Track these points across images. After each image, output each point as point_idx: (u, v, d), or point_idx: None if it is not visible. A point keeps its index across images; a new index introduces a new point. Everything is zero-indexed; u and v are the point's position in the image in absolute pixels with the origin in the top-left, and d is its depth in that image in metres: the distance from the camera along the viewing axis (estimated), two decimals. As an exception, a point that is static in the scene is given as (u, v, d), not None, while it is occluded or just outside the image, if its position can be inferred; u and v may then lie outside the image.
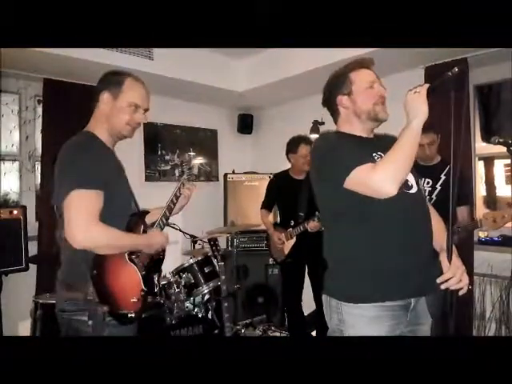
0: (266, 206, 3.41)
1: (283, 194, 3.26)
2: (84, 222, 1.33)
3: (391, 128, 1.54)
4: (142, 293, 1.48)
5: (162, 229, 1.70)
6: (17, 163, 3.44)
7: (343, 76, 1.51)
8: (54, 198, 1.44)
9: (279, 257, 3.29)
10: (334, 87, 1.53)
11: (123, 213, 1.53)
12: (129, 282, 1.48)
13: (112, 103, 1.52)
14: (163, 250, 1.67)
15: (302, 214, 3.08)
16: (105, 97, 1.52)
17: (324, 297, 1.50)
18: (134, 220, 1.56)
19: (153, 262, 1.61)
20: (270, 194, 3.42)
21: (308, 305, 3.32)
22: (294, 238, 3.13)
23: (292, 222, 3.15)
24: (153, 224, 1.67)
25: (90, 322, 1.38)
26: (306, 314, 3.42)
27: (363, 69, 1.50)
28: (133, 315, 1.44)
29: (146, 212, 1.69)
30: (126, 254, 1.49)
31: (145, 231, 1.59)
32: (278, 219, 3.43)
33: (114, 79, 1.54)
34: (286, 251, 3.19)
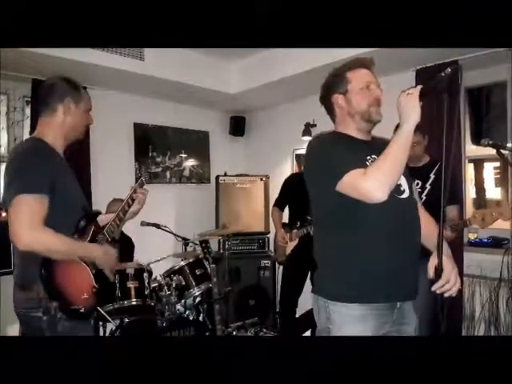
0: (279, 204, 3.40)
1: (296, 194, 3.22)
2: (26, 226, 1.39)
3: (383, 130, 1.55)
4: (94, 289, 1.55)
5: (112, 233, 1.73)
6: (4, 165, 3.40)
7: (340, 75, 1.50)
8: (2, 202, 1.53)
9: (280, 256, 3.30)
10: (331, 85, 1.53)
11: (73, 215, 1.58)
12: (79, 280, 1.55)
13: (73, 110, 1.62)
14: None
15: (309, 218, 3.06)
16: (67, 105, 1.61)
17: (313, 296, 1.51)
18: (83, 222, 1.61)
19: None
20: (283, 192, 3.41)
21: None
22: (297, 240, 3.13)
23: (298, 224, 3.14)
24: (104, 227, 1.71)
25: (45, 318, 1.47)
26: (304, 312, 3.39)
27: (362, 69, 1.49)
28: (83, 310, 1.51)
29: (97, 214, 1.75)
30: None
31: (97, 232, 1.65)
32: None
33: (72, 86, 1.65)
34: (288, 252, 3.20)
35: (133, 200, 1.81)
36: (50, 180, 1.47)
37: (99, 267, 1.61)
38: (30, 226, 1.40)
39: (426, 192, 2.49)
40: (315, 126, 4.03)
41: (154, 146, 4.21)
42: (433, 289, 1.28)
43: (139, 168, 2.01)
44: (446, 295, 1.30)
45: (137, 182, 1.88)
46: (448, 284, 1.29)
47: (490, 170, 3.36)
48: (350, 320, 1.38)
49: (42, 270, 1.46)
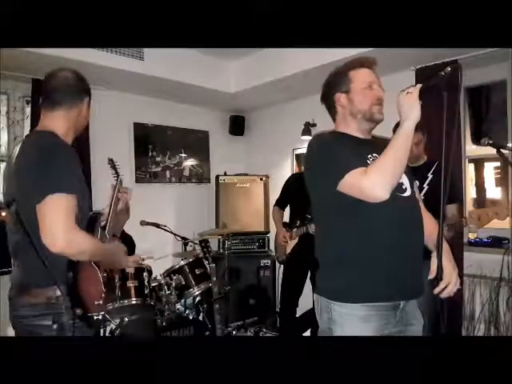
0: (280, 203, 3.41)
1: (296, 193, 3.20)
2: (64, 227, 1.29)
3: (382, 129, 1.54)
4: (103, 295, 1.49)
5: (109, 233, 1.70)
6: (4, 164, 3.40)
7: (343, 74, 1.50)
8: (9, 200, 1.45)
9: (280, 256, 3.30)
10: (333, 84, 1.53)
11: (86, 215, 1.52)
12: (94, 285, 1.48)
13: (87, 108, 1.61)
14: None
15: (309, 216, 3.06)
16: (87, 102, 1.60)
17: (315, 296, 1.51)
18: (93, 222, 1.57)
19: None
20: (284, 192, 3.42)
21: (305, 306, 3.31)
22: (297, 239, 3.13)
23: (298, 223, 3.15)
24: (104, 227, 1.65)
25: (55, 326, 1.36)
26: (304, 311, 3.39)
27: (364, 68, 1.49)
28: (100, 317, 1.45)
29: (101, 214, 1.69)
30: None
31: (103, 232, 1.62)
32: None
33: (88, 87, 1.62)
34: (288, 251, 3.20)
35: (118, 199, 1.75)
36: (77, 178, 1.40)
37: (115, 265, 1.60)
38: (67, 228, 1.30)
39: (423, 192, 2.48)
40: (315, 125, 4.03)
41: (153, 146, 4.21)
42: (435, 292, 1.28)
43: (112, 164, 1.96)
44: (445, 295, 1.31)
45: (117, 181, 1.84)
46: (449, 286, 1.30)
47: (490, 170, 3.36)
48: (352, 320, 1.37)
49: (68, 272, 1.37)
